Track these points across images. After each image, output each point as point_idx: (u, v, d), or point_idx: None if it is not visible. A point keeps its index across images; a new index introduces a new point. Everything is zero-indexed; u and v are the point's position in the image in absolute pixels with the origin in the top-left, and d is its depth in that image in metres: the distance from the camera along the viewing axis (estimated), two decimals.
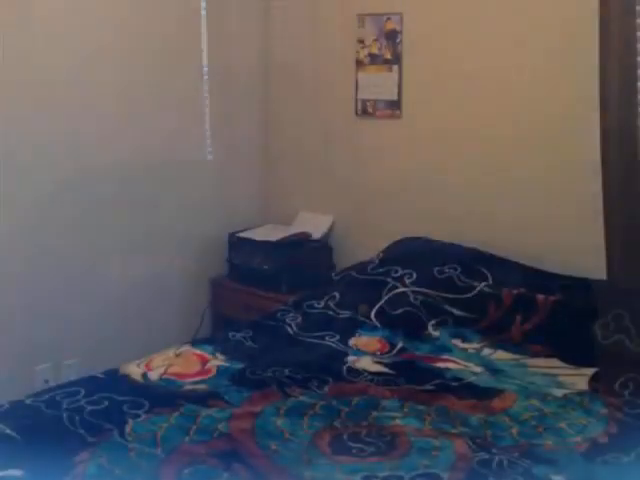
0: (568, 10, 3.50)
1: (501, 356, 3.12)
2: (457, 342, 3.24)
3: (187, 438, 2.38)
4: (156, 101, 4.17)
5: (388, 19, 4.13)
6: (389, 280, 3.61)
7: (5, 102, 3.55)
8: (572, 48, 3.51)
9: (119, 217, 4.06)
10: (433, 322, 3.36)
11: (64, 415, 2.47)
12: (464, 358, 3.12)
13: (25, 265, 3.70)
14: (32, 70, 3.63)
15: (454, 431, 2.49)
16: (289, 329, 3.38)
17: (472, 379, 2.92)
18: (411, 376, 2.92)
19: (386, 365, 3.05)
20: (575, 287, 3.33)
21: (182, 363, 2.97)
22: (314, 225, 4.50)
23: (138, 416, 2.50)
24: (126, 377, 2.83)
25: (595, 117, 3.33)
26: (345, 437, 2.43)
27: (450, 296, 3.43)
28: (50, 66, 3.70)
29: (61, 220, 3.81)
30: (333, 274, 3.98)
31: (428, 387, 2.83)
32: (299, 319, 3.48)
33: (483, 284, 3.43)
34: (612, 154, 3.32)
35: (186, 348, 3.13)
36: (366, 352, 3.18)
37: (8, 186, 3.58)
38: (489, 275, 3.48)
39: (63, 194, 3.81)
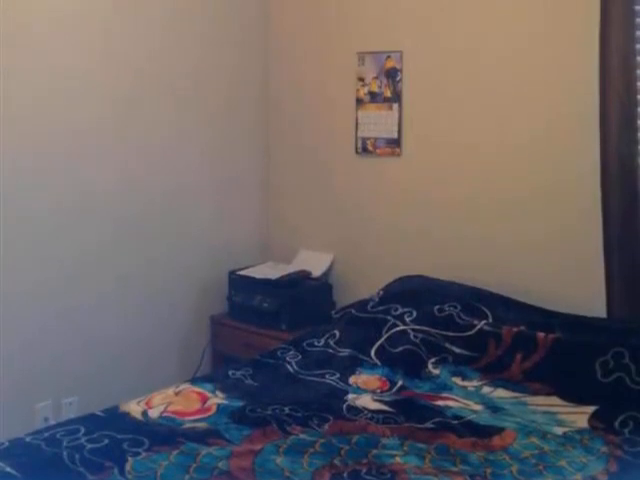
0: (568, 49, 3.55)
1: (501, 394, 3.11)
2: (457, 380, 3.24)
3: (187, 476, 2.37)
4: (156, 138, 4.20)
5: (388, 57, 4.16)
6: (389, 318, 3.61)
7: (9, 143, 3.58)
8: (572, 85, 3.56)
9: (119, 255, 4.06)
10: (433, 360, 3.36)
11: (64, 453, 2.47)
12: (464, 396, 3.11)
13: (25, 302, 3.69)
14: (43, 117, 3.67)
15: (454, 469, 2.48)
16: (289, 367, 3.38)
17: (472, 417, 2.91)
18: (411, 414, 2.91)
19: (386, 403, 3.03)
20: (575, 325, 3.32)
21: (182, 401, 2.97)
22: (314, 263, 4.50)
23: (138, 454, 2.49)
24: (126, 415, 2.83)
25: (595, 156, 3.36)
26: (345, 475, 2.42)
27: (450, 334, 3.43)
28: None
29: (61, 258, 3.81)
30: (333, 312, 3.99)
31: (428, 425, 2.82)
32: (299, 357, 3.47)
33: (483, 322, 3.43)
34: (612, 192, 3.35)
35: (186, 386, 3.13)
36: (366, 390, 3.18)
37: (9, 221, 3.59)
38: (489, 313, 3.48)
39: (63, 232, 3.81)
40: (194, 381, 3.25)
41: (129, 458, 2.45)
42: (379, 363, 3.40)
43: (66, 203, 3.82)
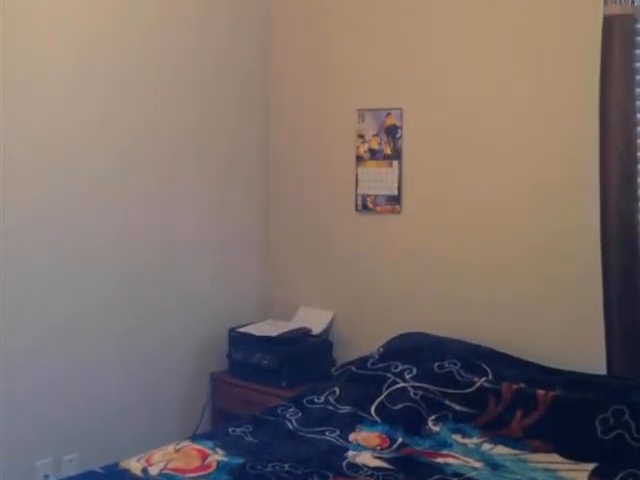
0: (567, 106, 3.60)
1: (501, 451, 3.10)
2: (457, 437, 3.23)
3: None
4: (156, 195, 4.23)
5: (388, 114, 4.21)
6: (389, 375, 3.61)
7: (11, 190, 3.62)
8: (572, 142, 3.60)
9: (119, 312, 4.06)
10: (433, 417, 3.35)
11: None
12: (464, 453, 3.10)
13: (25, 358, 3.68)
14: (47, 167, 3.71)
15: None
16: (289, 424, 3.37)
17: (472, 474, 2.90)
18: (411, 471, 2.90)
19: (386, 460, 3.02)
20: (575, 382, 3.32)
21: (182, 458, 2.96)
22: (314, 320, 4.51)
23: None
24: (126, 472, 2.82)
25: (595, 214, 3.39)
26: None
27: (450, 391, 3.43)
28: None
29: (60, 315, 3.81)
30: (333, 369, 3.99)
31: None
32: (299, 414, 3.47)
33: (483, 379, 3.43)
34: (612, 250, 3.36)
35: (186, 443, 3.12)
36: (366, 447, 3.17)
37: (9, 277, 3.60)
38: (489, 370, 3.48)
39: (63, 289, 3.82)
40: (194, 438, 3.24)
41: None
42: (379, 420, 3.40)
43: (66, 260, 3.83)
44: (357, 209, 4.38)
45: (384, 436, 3.28)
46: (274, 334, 4.32)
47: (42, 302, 3.74)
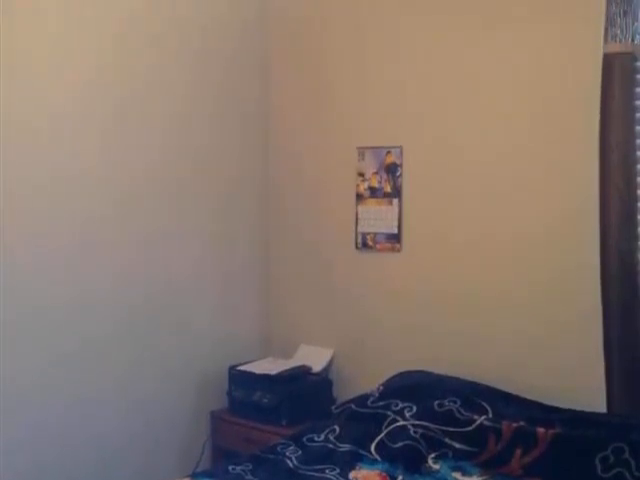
0: (567, 143, 3.62)
1: None
2: (457, 475, 3.21)
3: None
4: (156, 232, 4.24)
5: (388, 152, 4.23)
6: (389, 413, 3.61)
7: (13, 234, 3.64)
8: (572, 180, 3.61)
9: (119, 349, 4.06)
10: (433, 455, 3.34)
11: None
12: None
13: (24, 397, 3.67)
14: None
15: None
16: (289, 462, 3.36)
17: None
18: None
19: None
20: (575, 420, 3.32)
21: None
22: (314, 358, 4.51)
23: None
24: None
25: (595, 252, 3.40)
26: None
27: (450, 429, 3.42)
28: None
29: (60, 352, 3.81)
30: (333, 407, 3.98)
31: None
32: (299, 452, 3.46)
33: (483, 417, 3.42)
34: (612, 288, 3.36)
35: None
36: None
37: (8, 316, 3.60)
38: (489, 408, 3.48)
39: (62, 326, 3.82)
40: (194, 476, 3.24)
41: None
42: (379, 458, 3.38)
43: (66, 297, 3.83)
44: (357, 247, 4.40)
45: (384, 474, 3.26)
46: (274, 372, 4.31)
47: (42, 339, 3.74)
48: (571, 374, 3.62)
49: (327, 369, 4.52)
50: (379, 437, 3.50)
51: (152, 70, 4.18)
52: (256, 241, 4.81)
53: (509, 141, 3.82)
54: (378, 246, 4.30)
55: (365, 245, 4.36)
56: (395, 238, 4.23)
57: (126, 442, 4.10)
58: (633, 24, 3.30)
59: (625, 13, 3.29)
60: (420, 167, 4.14)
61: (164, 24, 4.23)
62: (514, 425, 3.32)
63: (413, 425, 3.48)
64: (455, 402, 3.54)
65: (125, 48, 4.05)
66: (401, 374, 3.97)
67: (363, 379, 4.25)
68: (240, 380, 4.41)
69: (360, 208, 4.37)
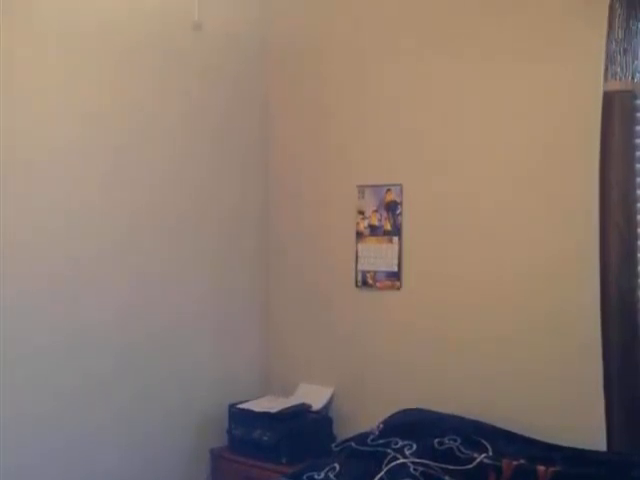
0: (567, 181, 3.63)
1: None
2: None
3: None
4: (155, 270, 4.26)
5: (388, 190, 4.25)
6: (389, 451, 3.59)
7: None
8: (572, 218, 3.62)
9: (118, 387, 4.07)
10: None
11: None
12: None
13: (23, 434, 3.67)
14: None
15: None
16: None
17: None
18: None
19: None
20: (575, 458, 3.30)
21: None
22: (314, 396, 4.51)
23: None
24: None
25: (595, 289, 3.40)
26: None
27: (450, 467, 3.41)
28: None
29: (59, 390, 3.81)
30: (333, 445, 3.96)
31: None
32: None
33: (483, 455, 3.41)
34: (612, 325, 3.35)
35: None
36: None
37: (8, 354, 3.61)
38: (489, 446, 3.46)
39: (61, 364, 3.83)
40: None
41: None
42: None
43: (66, 337, 3.85)
44: (357, 285, 4.40)
45: None
46: (274, 410, 4.30)
47: (41, 379, 3.75)
48: (571, 411, 3.61)
49: (327, 407, 4.51)
50: (379, 475, 3.47)
51: (152, 108, 4.23)
52: (256, 279, 4.82)
53: (509, 178, 3.83)
54: (378, 284, 4.31)
55: (365, 283, 4.37)
56: (395, 276, 4.24)
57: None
58: (633, 62, 3.32)
59: (625, 51, 3.31)
60: (420, 205, 4.16)
61: (164, 62, 4.28)
62: (514, 463, 3.31)
63: (413, 463, 3.47)
64: (455, 440, 3.53)
65: (125, 86, 4.10)
66: (401, 412, 3.96)
67: (363, 417, 4.24)
68: (240, 418, 4.40)
69: (360, 246, 4.38)
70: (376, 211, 4.30)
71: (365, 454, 3.67)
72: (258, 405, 4.43)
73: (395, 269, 4.23)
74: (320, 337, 4.62)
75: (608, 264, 3.36)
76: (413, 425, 3.76)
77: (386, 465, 3.52)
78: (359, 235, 4.38)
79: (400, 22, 4.24)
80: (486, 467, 3.35)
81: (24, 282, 3.68)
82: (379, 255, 4.28)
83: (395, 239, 4.22)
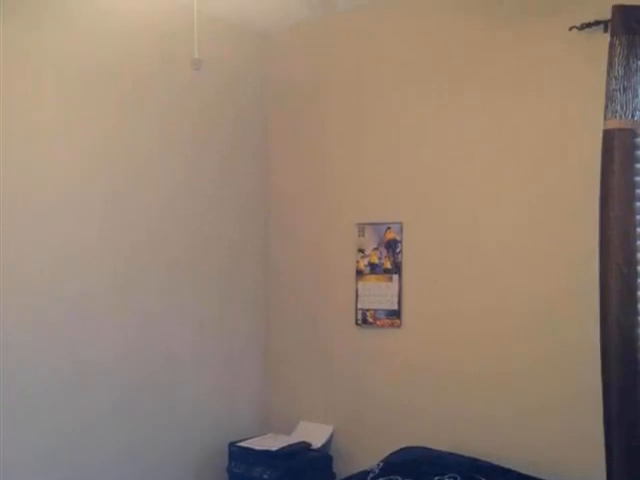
0: (568, 220, 3.66)
1: None
2: None
3: None
4: (155, 308, 4.27)
5: (388, 228, 4.28)
6: None
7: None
8: (573, 256, 3.63)
9: (118, 426, 4.06)
10: None
11: None
12: None
13: (23, 474, 3.66)
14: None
15: None
16: None
17: None
18: None
19: None
20: None
21: None
22: (314, 434, 4.51)
23: None
24: None
25: (596, 328, 3.39)
26: None
27: None
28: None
29: (59, 430, 3.80)
30: None
31: None
32: None
33: None
34: (613, 364, 3.34)
35: None
36: None
37: (9, 394, 3.61)
38: None
39: (61, 404, 3.82)
40: None
41: None
42: None
43: (66, 374, 3.85)
44: (357, 323, 4.42)
45: None
46: (274, 448, 4.30)
47: (41, 417, 3.74)
48: (571, 451, 3.61)
49: (327, 445, 4.51)
50: None
51: (153, 147, 4.26)
52: (256, 317, 4.84)
53: (509, 217, 3.86)
54: (378, 322, 4.32)
55: (365, 321, 4.38)
56: (395, 314, 4.25)
57: None
58: (633, 100, 3.35)
59: (625, 89, 3.34)
60: (420, 243, 4.18)
61: (165, 101, 4.32)
62: None
63: None
64: (455, 478, 3.52)
65: (125, 125, 4.13)
66: (401, 450, 3.96)
67: (363, 455, 4.25)
68: (240, 456, 4.40)
69: (360, 284, 4.40)
70: (376, 249, 4.32)
71: None
72: (258, 443, 4.42)
73: (395, 307, 4.25)
74: (320, 375, 4.62)
75: (608, 302, 3.36)
76: (413, 463, 3.76)
77: None
78: (359, 273, 4.40)
79: (400, 60, 4.29)
80: None
81: (24, 320, 3.69)
82: (379, 293, 4.30)
83: (395, 277, 4.24)
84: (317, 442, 4.46)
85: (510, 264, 3.85)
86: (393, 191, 4.30)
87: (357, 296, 4.41)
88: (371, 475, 3.75)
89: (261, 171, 4.88)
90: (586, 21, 3.52)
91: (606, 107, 3.38)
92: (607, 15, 3.41)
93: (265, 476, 4.23)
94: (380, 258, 4.31)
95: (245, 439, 4.49)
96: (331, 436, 4.53)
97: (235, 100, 4.74)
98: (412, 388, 4.20)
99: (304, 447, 4.40)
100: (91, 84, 3.97)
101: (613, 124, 3.36)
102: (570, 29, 3.56)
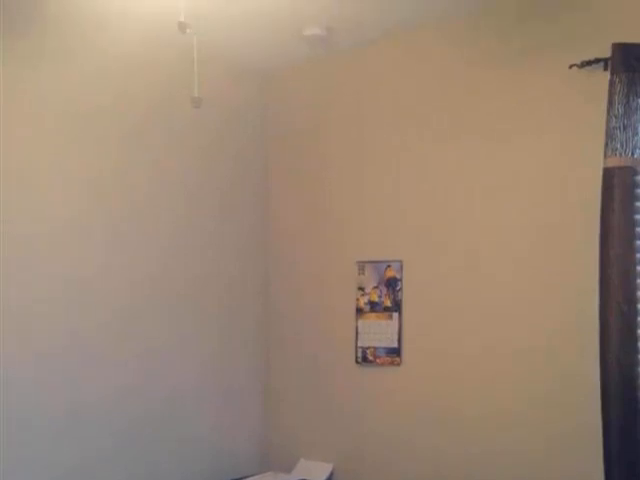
0: (567, 256, 3.64)
1: None
2: None
3: None
4: (156, 345, 4.25)
5: (388, 266, 4.27)
6: None
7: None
8: (572, 294, 3.62)
9: (118, 462, 4.03)
10: None
11: None
12: None
13: None
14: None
15: None
16: None
17: None
18: None
19: None
20: None
21: None
22: (314, 473, 4.47)
23: None
24: None
25: (595, 366, 3.38)
26: None
27: None
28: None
29: (60, 464, 3.77)
30: None
31: None
32: None
33: None
34: (613, 402, 3.33)
35: None
36: None
37: (10, 425, 3.59)
38: None
39: (61, 439, 3.80)
40: None
41: None
42: None
43: (66, 411, 3.83)
44: (357, 361, 4.40)
45: None
46: None
47: (41, 455, 3.72)
48: None
49: None
50: None
51: (153, 185, 4.27)
52: (256, 354, 4.82)
53: (509, 255, 3.85)
54: (378, 360, 4.30)
55: (365, 359, 4.36)
56: (395, 352, 4.23)
57: None
58: (633, 138, 3.35)
59: (625, 127, 3.34)
60: (420, 281, 4.18)
61: (165, 139, 4.33)
62: None
63: None
64: None
65: (126, 163, 4.14)
66: None
67: None
68: None
69: (360, 322, 4.38)
70: (376, 287, 4.32)
71: None
72: None
73: (395, 345, 4.23)
74: (320, 412, 4.60)
75: (608, 340, 3.35)
76: None
77: None
78: (359, 311, 4.39)
79: (400, 98, 4.30)
80: None
81: (24, 357, 3.67)
82: (379, 331, 4.28)
83: (395, 315, 4.23)
84: None
85: (510, 302, 3.83)
86: (393, 229, 4.30)
87: (357, 334, 4.39)
88: None
89: (261, 208, 4.88)
90: (586, 59, 3.53)
91: (606, 145, 3.38)
92: (607, 53, 3.43)
93: None
94: (380, 296, 4.30)
95: (245, 477, 4.47)
96: (331, 474, 4.49)
97: (235, 137, 4.75)
98: (412, 426, 4.17)
99: None
100: (91, 122, 3.98)
101: (613, 162, 3.36)
102: (570, 67, 3.57)
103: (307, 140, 4.74)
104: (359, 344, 4.38)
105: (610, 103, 3.39)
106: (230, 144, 4.71)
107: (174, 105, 4.27)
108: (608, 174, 3.38)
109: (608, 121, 3.38)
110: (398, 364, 4.23)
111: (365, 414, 4.38)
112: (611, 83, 3.40)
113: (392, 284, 4.26)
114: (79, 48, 3.93)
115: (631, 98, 3.37)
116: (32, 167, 3.73)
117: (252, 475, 4.51)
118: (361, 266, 4.39)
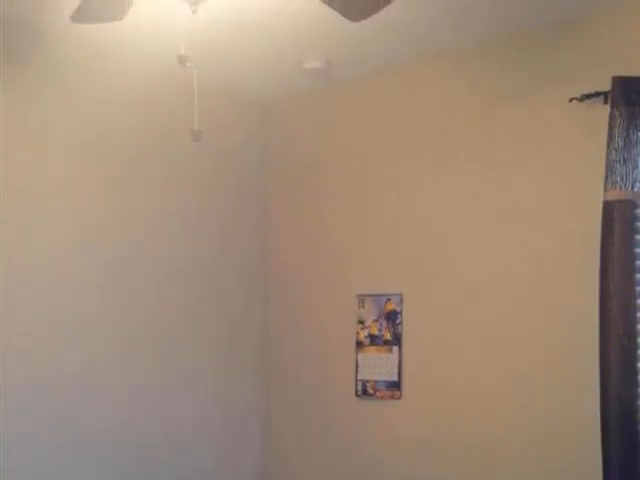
0: (567, 290, 3.64)
1: None
2: None
3: None
4: (155, 380, 4.23)
5: (388, 300, 4.26)
6: None
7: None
8: (572, 327, 3.61)
9: None
10: None
11: None
12: None
13: None
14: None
15: None
16: None
17: None
18: None
19: None
20: None
21: None
22: None
23: None
24: None
25: (595, 399, 3.36)
26: None
27: None
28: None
29: None
30: None
31: None
32: None
33: None
34: (613, 435, 3.31)
35: None
36: None
37: (9, 462, 3.55)
38: None
39: (61, 475, 3.77)
40: None
41: None
42: None
43: (66, 447, 3.80)
44: (357, 394, 4.37)
45: None
46: None
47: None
48: None
49: None
50: None
51: (153, 216, 4.27)
52: (256, 388, 4.80)
53: (509, 289, 3.84)
54: (378, 393, 4.28)
55: (365, 392, 4.34)
56: (395, 386, 4.21)
57: None
58: (633, 172, 3.35)
59: (625, 160, 3.35)
60: (420, 314, 4.16)
61: (165, 172, 4.34)
62: None
63: None
64: None
65: (126, 194, 4.14)
66: None
67: None
68: None
69: (360, 355, 4.36)
70: (376, 320, 4.30)
71: None
72: None
73: (395, 379, 4.21)
74: (320, 446, 4.57)
75: (608, 374, 3.34)
76: None
77: None
78: (359, 344, 4.37)
79: (400, 131, 4.31)
80: None
81: (23, 392, 3.65)
82: (379, 364, 4.27)
83: (395, 349, 4.21)
84: None
85: (510, 335, 3.83)
86: (393, 262, 4.29)
87: (357, 367, 4.37)
88: None
89: (261, 241, 4.88)
90: (586, 92, 3.54)
91: (606, 178, 3.39)
92: (607, 86, 3.44)
93: None
94: (380, 329, 4.28)
95: None
96: None
97: (235, 170, 4.75)
98: (412, 459, 4.14)
99: None
100: (91, 155, 3.98)
101: (613, 195, 3.37)
102: (570, 100, 3.59)
103: (307, 172, 4.75)
104: (359, 377, 4.36)
105: (610, 136, 3.40)
106: (230, 176, 4.71)
107: (174, 137, 4.27)
108: (608, 207, 3.38)
109: (608, 154, 3.39)
110: (398, 398, 4.21)
111: (365, 447, 4.35)
112: (611, 116, 3.41)
113: (392, 317, 4.24)
114: (80, 80, 3.94)
115: (631, 131, 3.38)
116: (32, 199, 3.73)
117: None
118: (361, 299, 4.38)
